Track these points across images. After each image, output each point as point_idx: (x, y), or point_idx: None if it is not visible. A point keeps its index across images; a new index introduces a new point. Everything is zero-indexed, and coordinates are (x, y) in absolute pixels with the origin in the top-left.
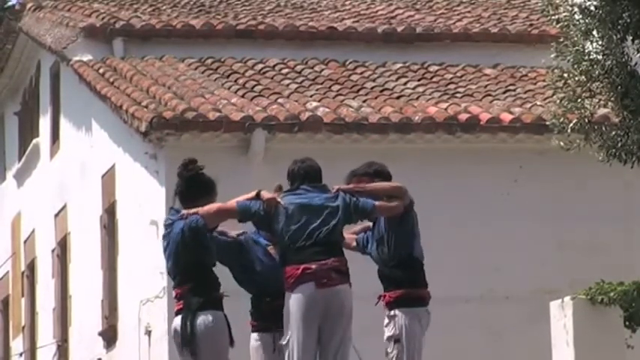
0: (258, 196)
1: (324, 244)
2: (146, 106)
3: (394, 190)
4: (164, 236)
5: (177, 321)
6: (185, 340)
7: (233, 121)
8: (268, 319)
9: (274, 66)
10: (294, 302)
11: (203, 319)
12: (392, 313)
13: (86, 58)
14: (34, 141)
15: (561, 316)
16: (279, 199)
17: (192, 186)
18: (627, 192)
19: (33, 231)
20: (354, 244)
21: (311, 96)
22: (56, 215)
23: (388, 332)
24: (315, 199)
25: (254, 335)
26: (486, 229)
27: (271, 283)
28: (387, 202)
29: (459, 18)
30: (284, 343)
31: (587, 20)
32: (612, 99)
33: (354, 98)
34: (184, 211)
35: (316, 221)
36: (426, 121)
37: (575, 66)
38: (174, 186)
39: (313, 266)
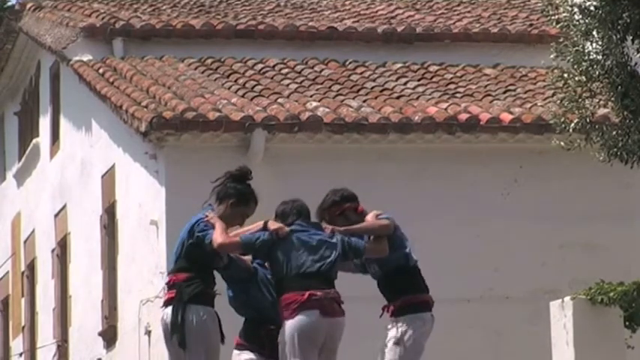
0: (265, 227)
1: (324, 276)
2: (146, 106)
3: (382, 230)
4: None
5: (168, 311)
6: (174, 329)
7: (233, 121)
8: (263, 346)
9: (274, 66)
10: (296, 327)
11: (194, 312)
12: (399, 319)
13: (86, 58)
14: (34, 141)
15: (561, 316)
16: (287, 229)
17: (243, 195)
18: (627, 192)
19: (33, 231)
20: (352, 265)
21: (311, 96)
22: (56, 215)
23: (390, 334)
24: (314, 235)
25: (244, 353)
26: (486, 229)
27: (271, 312)
28: (374, 245)
29: (459, 18)
30: None
31: (587, 20)
32: (612, 99)
33: (354, 98)
34: (209, 214)
35: (317, 254)
36: (426, 121)
37: (575, 66)
38: (217, 183)
39: (319, 293)
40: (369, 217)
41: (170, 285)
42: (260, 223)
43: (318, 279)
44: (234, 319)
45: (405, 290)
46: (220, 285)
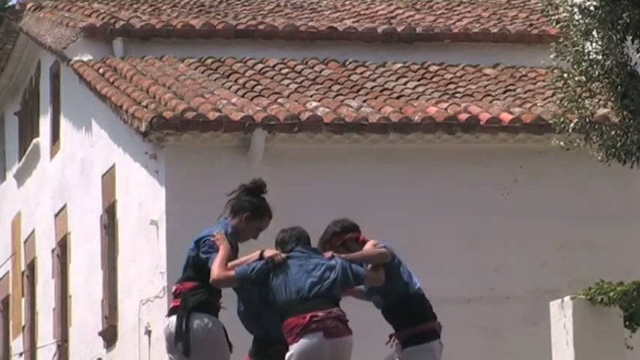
0: (261, 257)
1: (325, 297)
2: (146, 106)
3: (380, 258)
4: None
5: (172, 319)
6: (179, 337)
7: (233, 121)
8: None
9: (274, 66)
10: (300, 352)
11: (199, 321)
12: (406, 350)
13: (86, 58)
14: (34, 141)
15: (561, 316)
16: (282, 255)
17: (258, 209)
18: (627, 192)
19: (33, 231)
20: (360, 293)
21: (311, 96)
22: (56, 215)
23: None
24: (313, 259)
25: None
26: (486, 229)
27: (278, 332)
28: (372, 273)
29: (459, 18)
30: None
31: (587, 20)
32: (612, 99)
33: (354, 98)
34: (217, 235)
35: (316, 276)
36: (426, 121)
37: (575, 66)
38: (233, 195)
39: (320, 314)
40: (368, 246)
41: (176, 294)
42: (257, 253)
43: (319, 300)
44: (241, 330)
45: (408, 321)
46: (226, 299)
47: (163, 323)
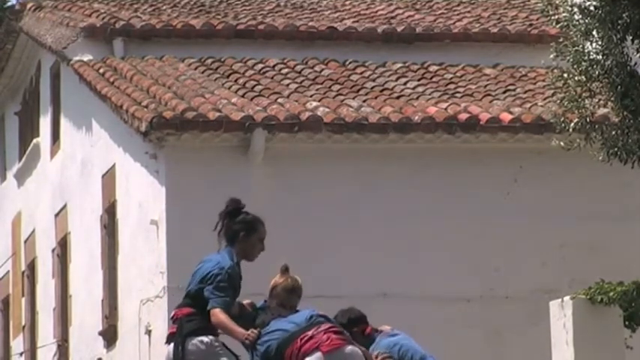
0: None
1: (312, 321)
2: (146, 106)
3: None
4: (201, 262)
5: (170, 348)
6: None
7: (233, 121)
8: None
9: (274, 66)
10: None
11: (195, 342)
12: None
13: (86, 58)
14: (35, 141)
15: (561, 316)
16: (254, 331)
17: (248, 223)
18: (627, 192)
19: (33, 231)
20: None
21: (311, 96)
22: (56, 215)
23: None
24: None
25: None
26: (486, 229)
27: None
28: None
29: (459, 18)
30: None
31: (587, 20)
32: (612, 99)
33: (354, 98)
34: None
35: (297, 316)
36: (426, 121)
37: (575, 66)
38: (219, 227)
39: (309, 333)
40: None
41: (174, 319)
42: (241, 333)
43: (306, 325)
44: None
45: None
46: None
47: (163, 323)
